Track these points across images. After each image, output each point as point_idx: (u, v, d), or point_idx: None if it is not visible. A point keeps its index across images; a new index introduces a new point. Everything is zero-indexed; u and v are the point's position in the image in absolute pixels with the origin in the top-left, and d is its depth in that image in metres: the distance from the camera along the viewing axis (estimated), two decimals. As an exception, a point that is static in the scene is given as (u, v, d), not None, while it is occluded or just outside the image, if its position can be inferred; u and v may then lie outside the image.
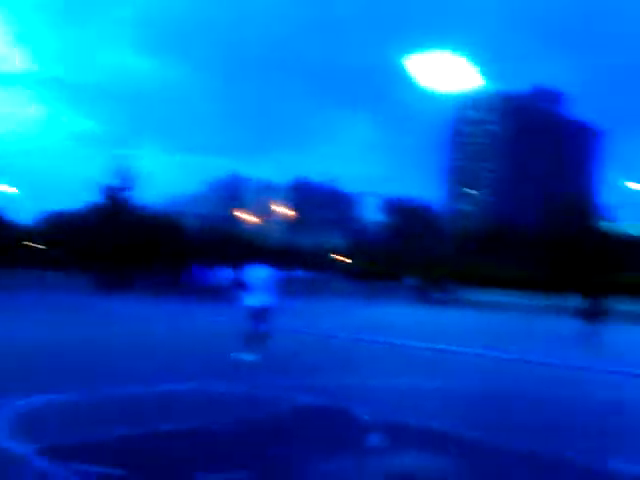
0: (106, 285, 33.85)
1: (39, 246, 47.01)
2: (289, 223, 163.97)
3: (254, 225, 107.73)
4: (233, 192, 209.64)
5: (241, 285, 11.89)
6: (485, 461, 6.07)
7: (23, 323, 16.57)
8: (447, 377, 11.03)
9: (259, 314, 11.51)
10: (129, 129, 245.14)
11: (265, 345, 11.29)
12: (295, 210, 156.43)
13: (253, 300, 11.56)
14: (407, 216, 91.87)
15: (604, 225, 72.60)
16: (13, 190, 52.26)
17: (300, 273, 45.28)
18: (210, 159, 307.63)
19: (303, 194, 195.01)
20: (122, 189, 46.76)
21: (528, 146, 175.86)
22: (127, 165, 47.14)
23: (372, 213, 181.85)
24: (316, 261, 58.72)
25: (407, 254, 56.20)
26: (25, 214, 57.89)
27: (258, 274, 11.75)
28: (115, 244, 38.28)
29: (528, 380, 11.26)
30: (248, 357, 10.97)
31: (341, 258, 65.46)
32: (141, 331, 16.16)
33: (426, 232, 42.81)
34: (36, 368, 9.75)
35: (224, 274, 29.86)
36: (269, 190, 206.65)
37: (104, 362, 10.64)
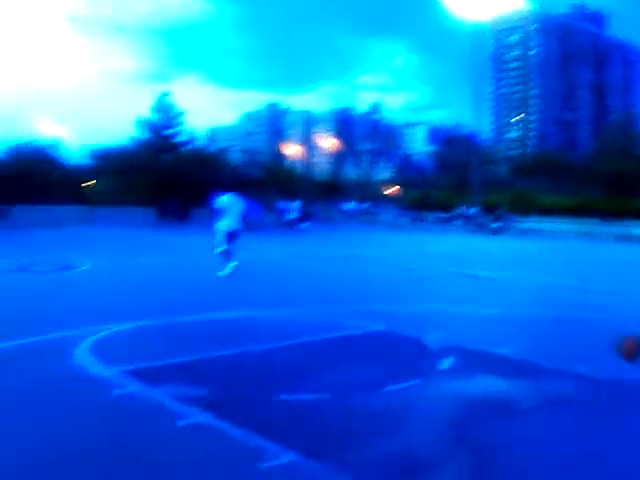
0: (161, 218, 34.15)
1: (88, 183, 47.40)
2: (334, 155, 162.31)
3: (298, 158, 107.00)
4: (273, 125, 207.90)
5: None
6: (548, 385, 5.96)
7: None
8: (513, 305, 10.71)
9: (231, 237, 13.38)
10: (170, 65, 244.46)
11: (229, 262, 13.16)
12: (339, 142, 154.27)
13: (225, 225, 13.38)
14: (454, 145, 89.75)
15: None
16: (60, 129, 52.43)
17: (353, 205, 44.82)
18: (248, 93, 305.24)
19: (346, 125, 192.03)
20: (165, 125, 46.81)
21: (572, 69, 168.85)
22: (169, 101, 47.07)
23: (418, 143, 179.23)
24: (366, 193, 58.12)
25: (458, 184, 55.12)
26: (73, 152, 58.13)
27: (229, 202, 13.46)
28: (164, 179, 38.33)
29: (587, 307, 10.77)
30: (223, 272, 13.02)
31: (391, 190, 64.60)
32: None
33: (475, 161, 41.62)
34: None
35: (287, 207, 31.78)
36: (311, 122, 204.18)
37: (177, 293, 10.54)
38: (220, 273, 13.10)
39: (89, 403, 5.12)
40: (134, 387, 5.42)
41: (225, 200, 13.54)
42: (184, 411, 4.83)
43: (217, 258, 13.46)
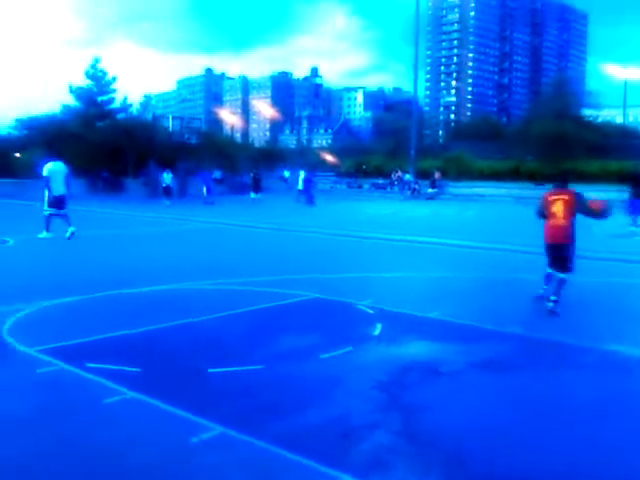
0: (94, 191, 33.24)
1: (16, 154, 45.45)
2: (272, 122, 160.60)
3: (235, 125, 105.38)
4: (210, 91, 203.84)
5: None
6: (484, 346, 6.16)
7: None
8: (443, 269, 10.86)
9: (60, 201, 14.40)
10: (105, 30, 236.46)
11: (68, 223, 14.16)
12: (277, 107, 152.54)
13: (53, 189, 14.38)
14: (392, 110, 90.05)
15: (587, 112, 71.65)
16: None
17: (286, 173, 44.44)
18: (185, 57, 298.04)
19: (285, 90, 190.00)
20: (97, 92, 45.22)
21: (509, 32, 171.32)
22: (101, 67, 45.43)
23: (357, 109, 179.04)
24: (304, 161, 57.78)
25: (395, 149, 55.44)
26: (2, 125, 55.18)
27: (55, 169, 14.44)
28: (97, 149, 37.12)
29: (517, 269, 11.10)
30: (46, 236, 14.08)
31: (328, 156, 64.43)
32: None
33: (411, 126, 41.92)
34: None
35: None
36: (248, 87, 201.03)
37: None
38: (40, 235, 14.15)
39: (12, 382, 4.99)
40: (59, 365, 5.29)
41: (51, 167, 14.46)
42: (111, 388, 4.76)
43: (43, 220, 14.49)
